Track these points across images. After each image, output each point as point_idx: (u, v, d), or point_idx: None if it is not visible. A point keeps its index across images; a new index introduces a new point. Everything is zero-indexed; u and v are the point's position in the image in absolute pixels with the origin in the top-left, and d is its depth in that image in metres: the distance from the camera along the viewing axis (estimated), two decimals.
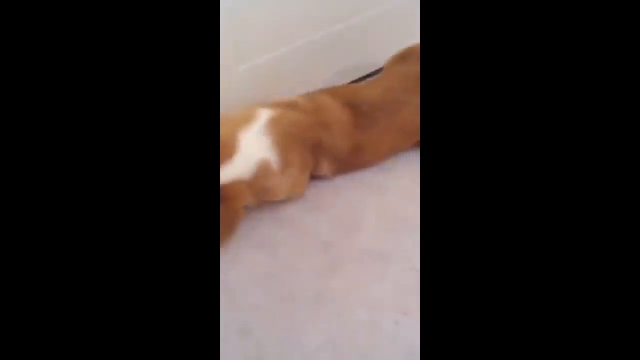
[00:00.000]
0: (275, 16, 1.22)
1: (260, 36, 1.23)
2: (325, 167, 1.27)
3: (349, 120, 1.23)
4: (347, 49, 1.41)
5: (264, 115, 1.18)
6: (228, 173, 1.12)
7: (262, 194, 1.18)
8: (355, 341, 1.05)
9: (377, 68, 1.51)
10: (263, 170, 1.15)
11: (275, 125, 1.17)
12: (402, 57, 1.37)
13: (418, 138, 1.32)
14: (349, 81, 1.51)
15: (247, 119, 1.17)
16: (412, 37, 1.41)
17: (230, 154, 1.13)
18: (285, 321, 1.07)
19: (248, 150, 1.14)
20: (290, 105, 1.24)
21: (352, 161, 1.28)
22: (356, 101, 1.25)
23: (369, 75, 1.52)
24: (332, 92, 1.30)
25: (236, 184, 1.13)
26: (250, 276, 1.14)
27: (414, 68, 1.30)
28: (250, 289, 1.12)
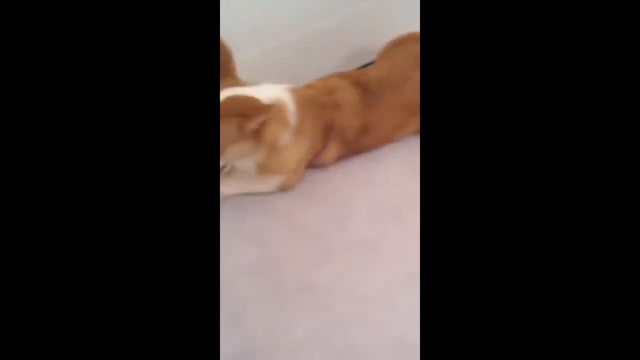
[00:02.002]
0: (271, 8, 1.23)
1: (254, 28, 1.24)
2: (332, 150, 1.29)
3: (358, 99, 1.27)
4: (342, 41, 1.43)
5: (287, 86, 1.22)
6: (245, 91, 1.13)
7: (271, 148, 1.19)
8: (345, 331, 1.06)
9: (370, 60, 1.51)
10: (279, 108, 1.15)
11: (296, 93, 1.21)
12: (400, 42, 1.40)
13: (418, 119, 1.36)
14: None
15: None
16: (405, 27, 1.42)
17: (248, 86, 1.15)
18: (275, 311, 1.09)
19: (268, 90, 1.16)
20: (308, 86, 1.28)
21: (357, 143, 1.31)
22: (364, 80, 1.30)
23: (365, 66, 1.52)
24: (341, 74, 1.34)
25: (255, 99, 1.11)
26: (241, 266, 1.15)
27: (414, 48, 1.35)
28: (241, 279, 1.13)
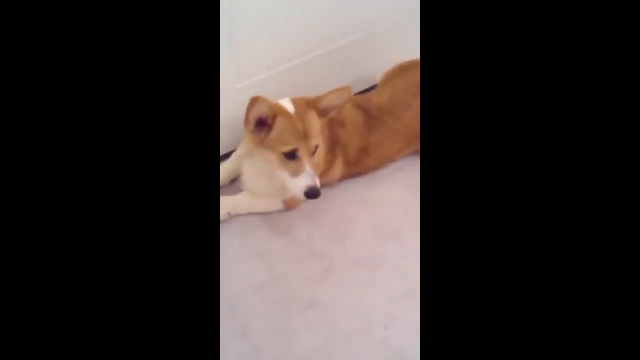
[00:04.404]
0: (273, 35, 1.28)
1: (257, 54, 1.29)
2: (337, 168, 1.34)
3: (361, 121, 1.33)
4: (342, 67, 1.47)
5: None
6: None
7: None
8: (347, 345, 1.11)
9: (373, 84, 1.56)
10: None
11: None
12: (402, 69, 1.45)
13: (417, 143, 1.40)
14: None
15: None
16: (408, 52, 1.46)
17: None
18: (280, 326, 1.13)
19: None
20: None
21: (358, 163, 1.36)
22: (365, 105, 1.36)
23: (366, 90, 1.58)
24: None
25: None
26: (247, 283, 1.20)
27: (415, 75, 1.39)
28: (247, 295, 1.18)
